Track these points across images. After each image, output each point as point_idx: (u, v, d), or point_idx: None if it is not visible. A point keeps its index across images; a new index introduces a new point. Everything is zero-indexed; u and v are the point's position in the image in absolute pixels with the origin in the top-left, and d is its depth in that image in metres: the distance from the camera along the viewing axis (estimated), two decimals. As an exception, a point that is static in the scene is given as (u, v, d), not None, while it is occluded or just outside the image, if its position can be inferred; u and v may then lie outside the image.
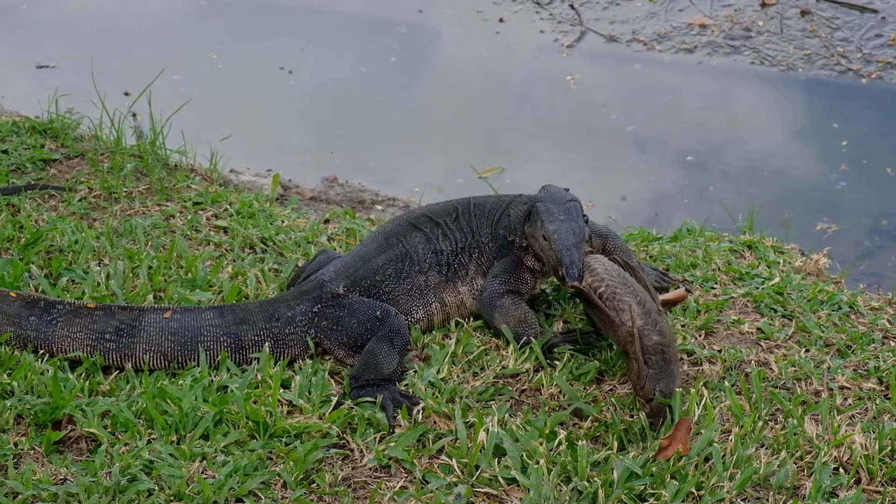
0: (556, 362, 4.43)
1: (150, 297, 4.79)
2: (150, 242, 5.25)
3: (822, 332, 4.71)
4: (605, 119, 8.06)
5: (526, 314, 4.56)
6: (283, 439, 4.01)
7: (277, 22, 9.19)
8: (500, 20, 9.21)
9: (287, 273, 5.04)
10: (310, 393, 4.24)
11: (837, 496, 3.84)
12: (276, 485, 3.85)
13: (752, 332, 4.70)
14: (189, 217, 5.55)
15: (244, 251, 5.28)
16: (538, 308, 4.79)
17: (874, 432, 4.05)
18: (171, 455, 3.90)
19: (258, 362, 4.37)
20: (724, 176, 7.44)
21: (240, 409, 4.07)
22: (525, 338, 4.49)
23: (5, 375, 4.23)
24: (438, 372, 4.37)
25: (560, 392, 4.30)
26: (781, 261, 5.29)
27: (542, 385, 4.34)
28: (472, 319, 4.71)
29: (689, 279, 5.09)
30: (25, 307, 4.40)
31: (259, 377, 4.29)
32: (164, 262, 5.00)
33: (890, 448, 3.99)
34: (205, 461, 3.89)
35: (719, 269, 5.17)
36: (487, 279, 4.65)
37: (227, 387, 4.24)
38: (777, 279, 5.04)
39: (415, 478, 3.90)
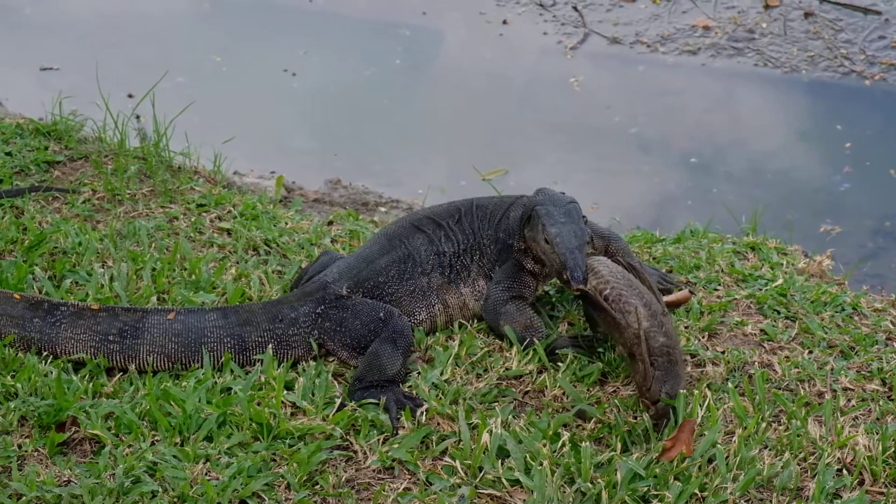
0: (560, 364, 4.43)
1: (154, 299, 4.80)
2: (153, 244, 5.25)
3: (826, 333, 4.71)
4: (608, 121, 8.06)
5: (531, 319, 4.55)
6: (287, 441, 4.01)
7: (280, 24, 9.20)
8: (504, 22, 9.22)
9: (290, 275, 5.04)
10: (313, 395, 4.24)
11: (841, 497, 3.84)
12: (279, 486, 3.85)
13: (755, 334, 4.70)
14: (193, 219, 5.55)
15: (248, 253, 5.29)
16: (542, 310, 4.79)
17: (877, 434, 4.05)
18: (174, 457, 3.90)
19: (262, 364, 4.37)
20: (727, 177, 7.44)
21: (243, 411, 4.08)
22: (529, 339, 4.49)
23: (9, 377, 4.24)
24: (442, 373, 4.37)
25: (563, 394, 4.30)
26: (785, 262, 5.29)
27: (546, 387, 4.34)
28: (475, 321, 4.71)
29: (693, 281, 5.09)
30: (29, 309, 4.41)
31: (262, 379, 4.30)
32: (168, 264, 5.01)
33: (893, 449, 3.99)
34: (208, 463, 3.90)
35: (722, 270, 5.17)
36: (490, 286, 4.65)
37: (230, 388, 4.24)
38: (780, 281, 5.03)
39: (418, 479, 3.90)
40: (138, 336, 4.37)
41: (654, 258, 5.30)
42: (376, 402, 4.18)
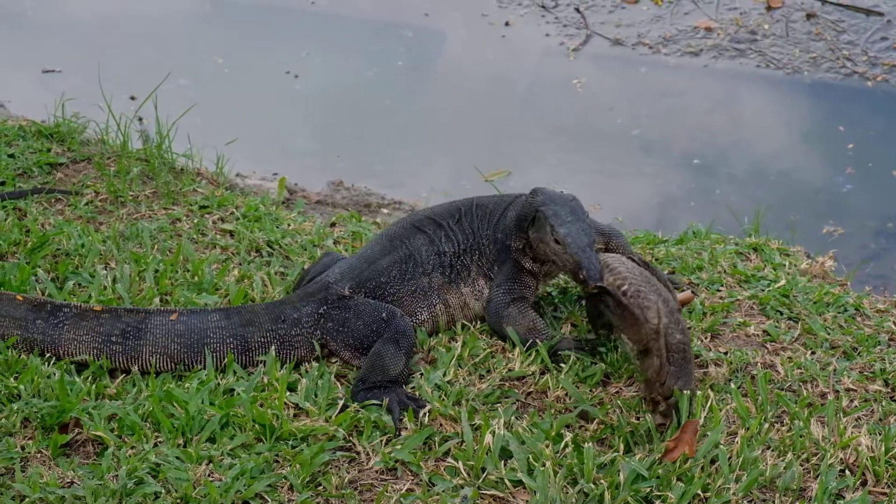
0: (563, 365, 4.43)
1: (157, 300, 4.80)
2: (156, 246, 5.25)
3: (828, 334, 4.70)
4: (610, 122, 8.06)
5: (534, 321, 4.54)
6: (290, 442, 4.01)
7: (282, 26, 9.20)
8: (506, 24, 9.22)
9: (293, 276, 5.04)
10: (316, 396, 4.24)
11: (843, 498, 3.84)
12: (282, 487, 3.85)
13: (757, 335, 4.70)
14: (195, 220, 5.55)
15: (250, 254, 5.29)
16: (544, 311, 4.79)
17: (880, 434, 4.05)
18: (177, 458, 3.90)
19: (264, 365, 4.37)
20: (729, 179, 7.45)
21: (246, 412, 4.08)
22: (532, 341, 4.48)
23: (12, 379, 4.24)
24: (444, 374, 4.37)
25: (566, 394, 4.30)
26: (787, 263, 5.29)
27: (549, 387, 4.34)
28: (478, 322, 4.71)
29: (695, 282, 5.09)
30: (32, 311, 4.41)
31: (265, 380, 4.30)
32: (171, 266, 5.01)
33: (896, 450, 3.99)
34: (211, 464, 3.90)
35: (725, 271, 5.17)
36: (491, 289, 4.64)
37: (233, 390, 4.24)
38: (783, 282, 5.03)
39: (421, 480, 3.90)
40: (141, 337, 4.37)
41: (656, 259, 5.30)
42: (379, 403, 4.18)
